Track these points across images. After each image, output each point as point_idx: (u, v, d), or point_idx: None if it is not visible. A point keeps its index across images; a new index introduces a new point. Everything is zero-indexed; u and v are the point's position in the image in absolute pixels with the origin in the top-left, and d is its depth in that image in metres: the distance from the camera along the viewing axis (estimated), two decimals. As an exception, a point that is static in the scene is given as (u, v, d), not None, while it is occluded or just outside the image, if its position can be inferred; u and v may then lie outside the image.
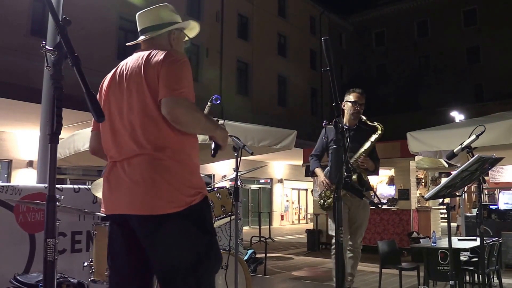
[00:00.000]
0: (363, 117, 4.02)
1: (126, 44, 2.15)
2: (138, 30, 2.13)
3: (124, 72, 1.92)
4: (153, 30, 2.05)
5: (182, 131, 1.79)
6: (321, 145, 4.17)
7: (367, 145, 3.96)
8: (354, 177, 3.73)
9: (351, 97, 4.10)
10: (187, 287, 1.75)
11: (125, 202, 1.78)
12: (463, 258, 4.68)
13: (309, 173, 4.46)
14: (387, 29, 32.52)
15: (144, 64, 1.84)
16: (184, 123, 1.76)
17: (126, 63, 1.96)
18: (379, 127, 3.99)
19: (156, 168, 1.74)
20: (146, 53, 1.90)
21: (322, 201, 4.01)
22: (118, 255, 1.89)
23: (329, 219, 4.20)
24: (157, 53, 1.85)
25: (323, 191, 3.99)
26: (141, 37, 2.09)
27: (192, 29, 2.17)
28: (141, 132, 1.78)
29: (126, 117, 1.84)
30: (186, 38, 2.15)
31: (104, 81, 2.04)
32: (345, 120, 4.12)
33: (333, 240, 3.60)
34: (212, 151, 2.10)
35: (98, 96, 2.01)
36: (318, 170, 4.08)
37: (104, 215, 3.15)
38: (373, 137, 3.99)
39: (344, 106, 4.12)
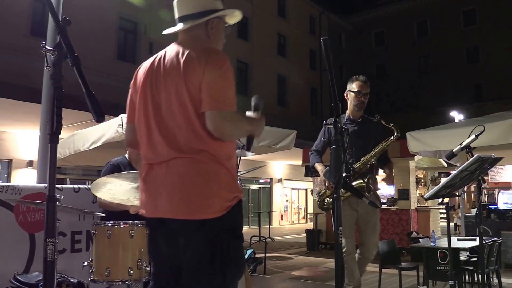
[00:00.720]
0: (377, 116, 3.72)
1: (163, 32, 2.00)
2: (176, 17, 1.96)
3: (162, 67, 1.83)
4: (192, 19, 1.89)
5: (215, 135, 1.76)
6: (322, 143, 3.85)
7: (379, 147, 3.58)
8: (360, 181, 3.42)
9: (354, 86, 3.71)
10: None
11: (165, 206, 1.76)
12: (462, 258, 4.68)
13: (309, 171, 4.34)
14: (387, 29, 32.53)
15: (184, 64, 1.74)
16: (229, 136, 1.77)
17: (165, 56, 1.86)
18: (395, 130, 3.58)
19: (197, 172, 1.71)
20: (186, 50, 1.78)
21: (319, 200, 3.72)
22: (159, 256, 1.92)
23: (342, 224, 3.90)
24: (198, 52, 1.75)
25: (323, 190, 3.70)
26: (179, 26, 1.92)
27: (234, 17, 2.04)
28: (179, 135, 1.73)
29: (164, 116, 1.78)
30: (227, 25, 2.02)
31: (138, 71, 1.96)
32: (348, 112, 3.78)
33: (345, 250, 3.45)
34: (245, 145, 1.98)
35: (132, 84, 1.96)
36: (318, 166, 3.70)
37: (104, 215, 3.17)
38: (387, 141, 3.58)
39: (346, 96, 3.76)
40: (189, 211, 1.70)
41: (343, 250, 3.41)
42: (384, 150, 3.60)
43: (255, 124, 1.87)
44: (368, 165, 3.54)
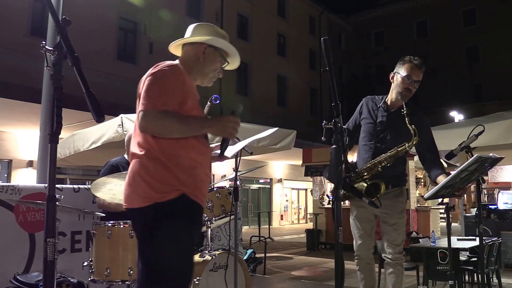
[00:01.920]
0: (405, 110, 2.91)
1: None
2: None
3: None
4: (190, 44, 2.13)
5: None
6: (354, 120, 3.28)
7: (392, 152, 2.98)
8: (363, 184, 2.96)
9: (403, 70, 3.07)
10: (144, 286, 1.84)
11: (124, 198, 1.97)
12: (462, 258, 4.69)
13: (309, 171, 3.93)
14: (387, 29, 32.55)
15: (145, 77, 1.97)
16: (152, 133, 1.86)
17: None
18: (414, 134, 2.90)
19: (138, 167, 1.88)
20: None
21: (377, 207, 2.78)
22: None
23: (351, 226, 3.22)
24: (159, 64, 1.96)
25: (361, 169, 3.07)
26: (172, 44, 2.16)
27: (233, 59, 2.20)
28: (136, 138, 1.95)
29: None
30: (226, 65, 2.18)
31: None
32: (388, 97, 3.17)
33: (355, 254, 3.18)
34: (219, 151, 2.10)
35: None
36: None
37: (104, 215, 3.18)
38: (402, 147, 2.96)
39: (392, 78, 3.15)
40: (130, 200, 1.89)
41: (355, 254, 3.18)
42: (397, 156, 2.99)
43: (198, 124, 1.93)
44: (379, 167, 3.00)
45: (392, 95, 3.15)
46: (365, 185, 2.99)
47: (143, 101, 1.84)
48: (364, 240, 3.17)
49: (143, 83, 1.91)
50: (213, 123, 1.94)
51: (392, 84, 3.16)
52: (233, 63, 2.22)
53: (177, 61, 2.09)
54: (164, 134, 1.85)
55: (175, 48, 2.16)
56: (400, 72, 3.09)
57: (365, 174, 3.05)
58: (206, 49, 2.09)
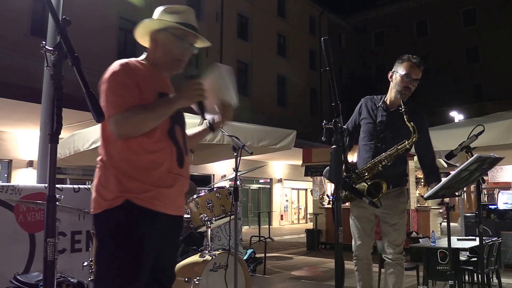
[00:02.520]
0: (403, 107, 2.93)
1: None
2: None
3: None
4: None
5: (115, 139, 1.81)
6: (353, 120, 3.26)
7: (391, 151, 2.98)
8: (364, 185, 2.95)
9: (402, 68, 3.07)
10: None
11: None
12: (462, 258, 4.68)
13: (309, 171, 3.87)
14: (386, 29, 32.57)
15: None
16: (129, 134, 1.80)
17: None
18: (413, 132, 2.92)
19: (95, 175, 1.88)
20: None
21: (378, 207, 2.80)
22: None
23: (351, 226, 3.20)
24: (110, 67, 1.90)
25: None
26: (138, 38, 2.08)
27: (199, 38, 2.02)
28: (100, 144, 1.92)
29: None
30: (188, 44, 1.99)
31: None
32: (387, 95, 3.18)
33: (354, 254, 3.17)
34: (202, 119, 1.98)
35: None
36: None
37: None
38: (402, 145, 2.96)
39: (391, 78, 3.14)
40: (91, 206, 1.87)
41: (354, 254, 3.17)
42: (397, 155, 2.99)
43: (166, 104, 1.82)
44: (380, 167, 2.99)
45: (391, 94, 3.15)
46: (366, 185, 2.98)
47: (105, 109, 1.71)
48: (364, 240, 3.16)
49: (99, 90, 1.84)
50: (180, 95, 1.84)
51: (391, 83, 3.15)
52: (201, 40, 2.05)
53: (142, 56, 2.02)
54: (140, 130, 1.79)
55: (142, 40, 2.06)
56: (399, 71, 3.08)
57: (366, 174, 3.05)
58: (155, 36, 1.98)
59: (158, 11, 2.01)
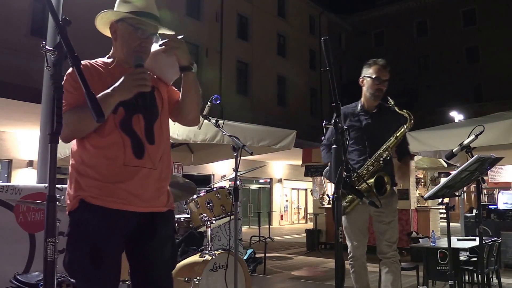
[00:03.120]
0: (391, 101, 3.12)
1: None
2: None
3: None
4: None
5: (71, 139, 1.79)
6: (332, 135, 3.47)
7: (390, 141, 3.12)
8: (371, 181, 3.01)
9: (371, 71, 3.22)
10: None
11: None
12: (462, 258, 4.69)
13: (309, 171, 3.90)
14: (387, 29, 32.56)
15: None
16: (69, 137, 1.75)
17: None
18: (408, 117, 3.10)
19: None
20: None
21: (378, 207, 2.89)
22: None
23: (346, 227, 3.25)
24: None
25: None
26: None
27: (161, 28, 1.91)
28: None
29: None
30: (148, 33, 1.87)
31: None
32: (363, 100, 3.32)
33: (350, 255, 3.20)
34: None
35: None
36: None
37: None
38: (400, 131, 3.12)
39: (362, 82, 3.29)
40: None
41: (350, 255, 3.21)
42: (397, 143, 3.13)
43: (103, 98, 1.67)
44: (381, 161, 3.08)
45: (366, 99, 3.30)
46: (371, 183, 3.02)
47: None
48: (360, 240, 3.22)
49: None
50: (119, 86, 1.72)
51: (363, 88, 3.29)
52: (163, 29, 1.93)
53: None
54: (78, 132, 1.74)
55: (106, 31, 1.97)
56: (368, 75, 3.23)
57: (365, 172, 3.11)
58: (115, 27, 1.89)
59: (116, 1, 1.93)
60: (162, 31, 1.95)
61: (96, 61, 1.89)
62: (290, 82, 26.20)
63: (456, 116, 20.87)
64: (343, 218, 3.23)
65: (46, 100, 4.87)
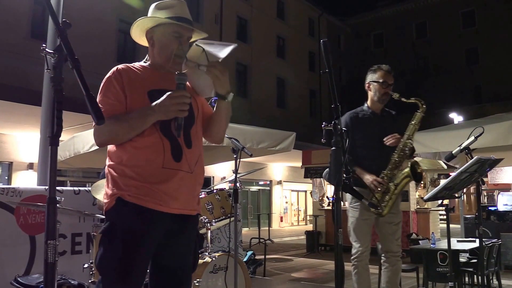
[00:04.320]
0: (396, 95, 3.26)
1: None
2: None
3: None
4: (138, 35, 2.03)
5: (107, 145, 1.86)
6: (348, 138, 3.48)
7: (409, 128, 3.20)
8: (406, 170, 3.09)
9: (377, 76, 3.35)
10: None
11: None
12: (462, 260, 4.68)
13: (309, 173, 3.97)
14: (386, 31, 32.60)
15: None
16: (104, 143, 1.82)
17: None
18: (419, 102, 3.20)
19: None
20: None
21: (375, 203, 3.13)
22: None
23: (352, 231, 3.29)
24: None
25: (372, 196, 3.16)
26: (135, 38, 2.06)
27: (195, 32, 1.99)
28: None
29: None
30: (185, 38, 1.95)
31: None
32: (369, 104, 3.42)
33: (355, 256, 3.23)
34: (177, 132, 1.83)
35: None
36: (359, 170, 3.23)
37: (104, 216, 3.18)
38: (415, 117, 3.20)
39: (369, 87, 3.41)
40: None
41: (355, 255, 3.23)
42: (416, 129, 3.21)
43: (138, 116, 1.76)
44: (406, 150, 3.15)
45: (372, 102, 3.40)
46: (407, 173, 3.11)
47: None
48: (366, 241, 3.24)
49: None
50: (155, 108, 1.75)
51: (370, 92, 3.41)
52: (196, 33, 2.01)
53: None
54: (116, 140, 1.81)
55: (141, 40, 2.03)
56: (375, 80, 3.36)
57: (394, 166, 3.19)
58: (151, 34, 1.95)
59: (150, 9, 1.98)
60: (197, 35, 2.02)
61: (133, 65, 1.95)
62: (290, 84, 26.23)
63: (456, 117, 20.87)
64: (352, 218, 3.27)
65: (46, 102, 4.87)
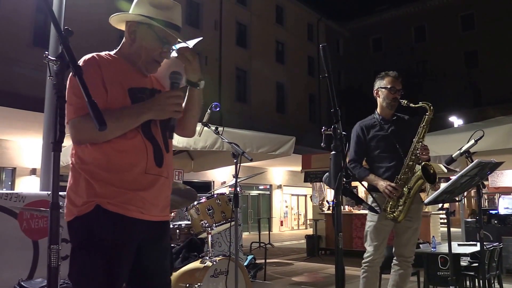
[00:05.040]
0: (404, 101, 3.27)
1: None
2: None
3: None
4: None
5: (86, 145, 1.68)
6: (361, 148, 3.36)
7: (419, 131, 3.23)
8: (418, 173, 3.10)
9: (385, 83, 3.36)
10: None
11: None
12: (463, 263, 4.67)
13: (308, 177, 3.92)
14: (385, 35, 32.67)
15: None
16: (87, 141, 1.66)
17: None
18: (427, 106, 3.21)
19: (68, 181, 1.75)
20: None
21: (390, 214, 3.16)
22: None
23: (368, 235, 3.28)
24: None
25: (388, 201, 3.17)
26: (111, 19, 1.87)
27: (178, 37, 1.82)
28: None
29: None
30: (168, 46, 1.82)
31: None
32: (379, 111, 3.42)
33: (368, 259, 3.21)
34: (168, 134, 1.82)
35: None
36: (372, 177, 3.24)
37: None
38: (424, 120, 3.23)
39: (377, 94, 3.41)
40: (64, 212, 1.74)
41: (367, 260, 3.21)
42: (426, 131, 3.24)
43: (131, 114, 1.67)
44: (418, 153, 3.17)
45: (382, 109, 3.41)
46: (419, 175, 3.12)
47: (66, 112, 1.55)
48: (382, 246, 3.23)
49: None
50: (150, 106, 1.68)
51: (378, 99, 3.41)
52: (182, 42, 1.85)
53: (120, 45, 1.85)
54: (97, 139, 1.64)
55: (117, 25, 1.88)
56: (383, 87, 3.37)
57: (407, 170, 3.19)
58: (135, 27, 1.79)
59: (141, 1, 1.81)
60: (182, 44, 1.88)
61: (105, 54, 1.81)
62: (289, 89, 26.28)
63: (456, 121, 20.89)
64: (371, 223, 3.26)
65: (49, 109, 4.91)
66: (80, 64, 1.62)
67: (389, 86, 3.34)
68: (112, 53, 1.84)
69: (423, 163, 3.12)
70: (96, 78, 1.66)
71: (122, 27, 1.87)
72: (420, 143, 3.19)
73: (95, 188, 1.64)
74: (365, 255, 3.24)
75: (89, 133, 1.62)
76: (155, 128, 1.78)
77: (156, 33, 1.78)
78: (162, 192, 1.78)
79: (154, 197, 1.73)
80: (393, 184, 3.14)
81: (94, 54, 1.74)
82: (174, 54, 1.88)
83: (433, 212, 9.78)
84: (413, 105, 3.22)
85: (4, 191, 6.58)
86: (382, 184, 3.17)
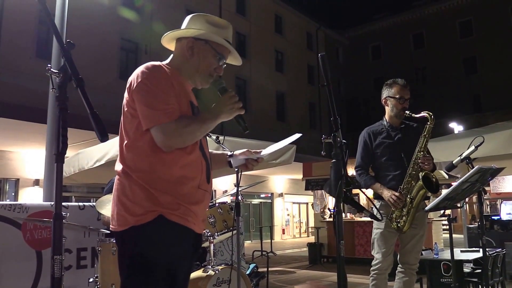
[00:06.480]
0: (406, 112, 3.29)
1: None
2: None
3: None
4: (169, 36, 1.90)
5: (146, 152, 1.67)
6: (367, 154, 3.38)
7: (420, 141, 3.20)
8: (419, 183, 3.08)
9: (393, 92, 3.34)
10: None
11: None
12: (466, 270, 4.64)
13: (309, 185, 3.88)
14: (383, 42, 32.82)
15: (128, 81, 1.75)
16: (178, 145, 1.68)
17: None
18: (429, 116, 3.21)
19: (117, 187, 1.72)
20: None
21: (395, 224, 3.18)
22: None
23: (375, 242, 3.28)
24: (138, 70, 1.74)
25: (393, 211, 3.19)
26: (163, 38, 1.91)
27: (232, 55, 1.95)
28: (119, 155, 1.78)
29: None
30: (223, 61, 1.90)
31: None
32: (387, 119, 3.42)
33: (376, 267, 3.20)
34: (244, 130, 1.94)
35: None
36: (378, 186, 3.25)
37: (108, 231, 3.19)
38: (426, 129, 3.21)
39: (385, 103, 3.41)
40: (113, 222, 1.72)
41: (376, 267, 3.20)
42: (427, 140, 3.22)
43: (210, 118, 1.74)
44: (419, 162, 3.15)
45: (390, 117, 3.39)
46: (420, 185, 3.09)
47: (149, 117, 1.61)
48: (389, 253, 3.22)
49: (130, 94, 1.70)
50: (219, 110, 1.75)
51: (387, 107, 3.40)
52: (235, 58, 1.97)
53: (168, 59, 1.89)
54: (187, 142, 1.69)
55: (168, 43, 1.93)
56: (391, 96, 3.34)
57: (410, 179, 3.18)
58: (193, 43, 1.84)
59: (196, 18, 1.88)
60: (231, 61, 1.99)
61: (166, 67, 1.81)
62: (289, 97, 26.35)
63: (456, 127, 20.90)
64: (377, 230, 3.25)
65: (52, 120, 4.94)
66: (146, 71, 1.69)
67: (397, 96, 3.32)
68: (165, 64, 1.84)
69: (424, 172, 3.10)
70: (170, 88, 1.71)
71: (171, 46, 1.92)
72: (422, 153, 3.17)
73: (156, 197, 1.64)
74: (373, 262, 3.23)
75: (180, 138, 1.65)
76: (205, 144, 1.88)
77: (215, 49, 1.85)
78: (206, 207, 1.86)
79: (201, 211, 1.79)
80: (397, 194, 3.14)
81: (155, 63, 1.77)
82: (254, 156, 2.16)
83: (435, 219, 9.75)
84: (415, 115, 3.23)
85: (8, 202, 6.59)
86: (386, 193, 3.18)
